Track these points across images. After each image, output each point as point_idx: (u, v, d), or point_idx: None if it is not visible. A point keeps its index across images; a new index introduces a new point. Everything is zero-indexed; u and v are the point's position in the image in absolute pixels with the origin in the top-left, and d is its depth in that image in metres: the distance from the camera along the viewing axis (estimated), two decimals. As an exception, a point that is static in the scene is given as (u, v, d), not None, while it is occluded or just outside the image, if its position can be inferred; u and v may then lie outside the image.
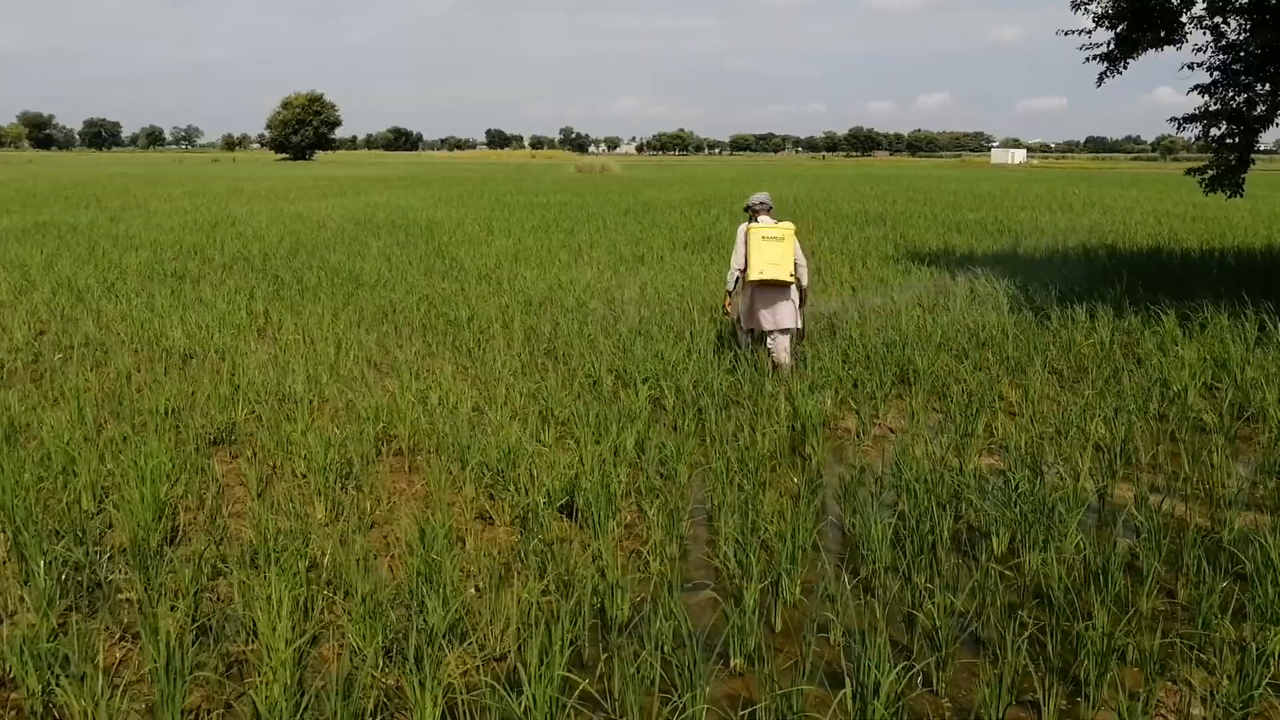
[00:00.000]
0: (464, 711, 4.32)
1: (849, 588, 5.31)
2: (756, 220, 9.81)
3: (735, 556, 5.55)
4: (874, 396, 9.01)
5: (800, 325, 9.89)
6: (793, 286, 9.64)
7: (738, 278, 9.80)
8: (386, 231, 23.75)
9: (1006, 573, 5.55)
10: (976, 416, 8.23)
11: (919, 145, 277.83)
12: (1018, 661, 4.41)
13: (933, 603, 4.90)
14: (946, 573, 5.46)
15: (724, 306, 10.41)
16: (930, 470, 6.75)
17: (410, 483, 7.03)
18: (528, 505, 6.18)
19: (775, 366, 9.65)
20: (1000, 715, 4.25)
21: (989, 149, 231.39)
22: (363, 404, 8.25)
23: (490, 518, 6.38)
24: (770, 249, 9.42)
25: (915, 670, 4.57)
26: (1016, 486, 6.37)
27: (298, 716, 4.05)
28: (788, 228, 9.59)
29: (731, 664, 4.77)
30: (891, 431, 8.42)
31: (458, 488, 6.70)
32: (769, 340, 9.76)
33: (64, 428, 7.66)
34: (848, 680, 4.31)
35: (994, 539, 6.00)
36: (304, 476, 6.87)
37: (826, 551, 5.99)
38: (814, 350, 10.36)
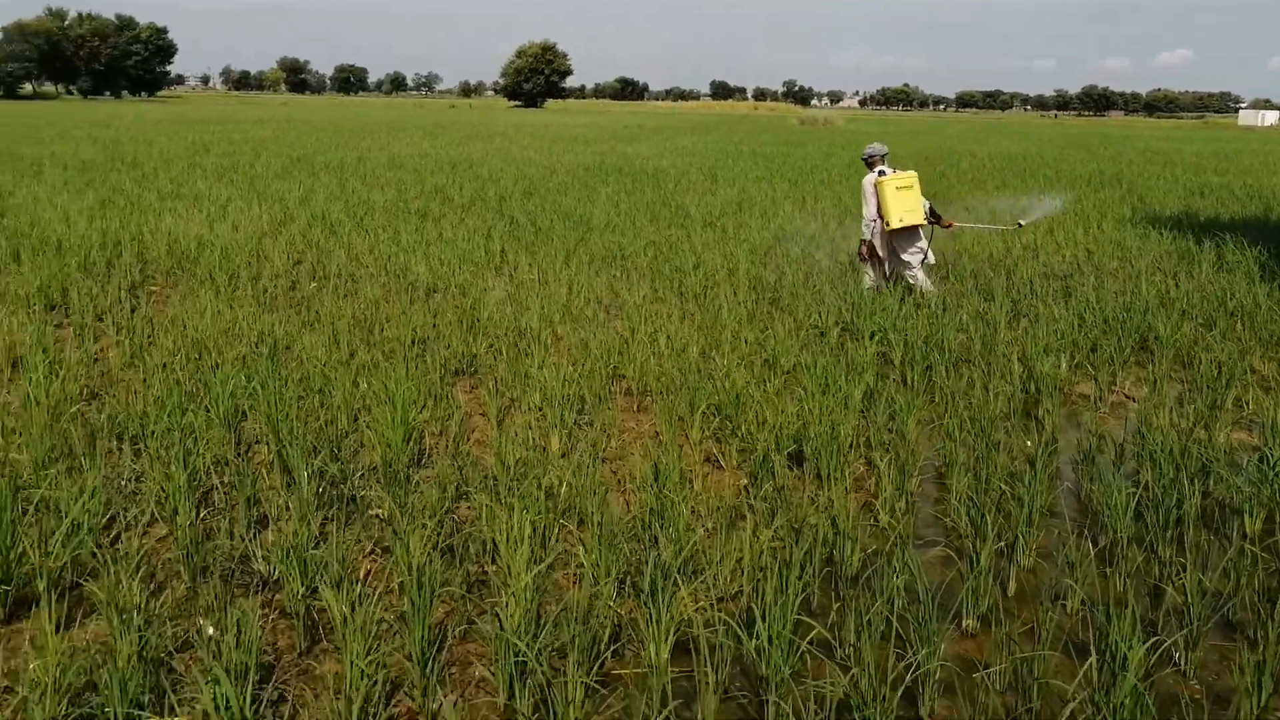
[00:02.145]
0: (696, 646, 4.43)
1: (1090, 556, 5.12)
2: (876, 170, 10.62)
3: (968, 515, 5.43)
4: (1111, 362, 8.61)
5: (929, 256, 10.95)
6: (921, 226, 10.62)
7: (874, 228, 10.61)
8: (614, 178, 24.11)
9: (1263, 555, 5.23)
10: (1226, 389, 7.75)
11: (1157, 105, 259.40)
12: (1280, 649, 4.16)
13: (1181, 579, 4.68)
14: (1195, 549, 5.19)
15: (859, 252, 11.03)
16: (1176, 441, 6.41)
17: (639, 421, 7.19)
18: (756, 451, 6.21)
19: (921, 293, 10.52)
20: (1261, 703, 4.03)
21: (1236, 110, 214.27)
22: (595, 343, 8.46)
23: (718, 461, 6.45)
24: (905, 198, 10.30)
25: (1163, 647, 4.38)
26: (1275, 465, 5.97)
27: (537, 637, 4.22)
28: (913, 176, 10.45)
29: (964, 624, 4.69)
30: (1130, 399, 8.04)
31: (685, 429, 6.80)
32: (907, 272, 10.69)
33: (320, 351, 8.18)
34: (1091, 650, 4.17)
35: (1248, 517, 5.65)
36: (540, 409, 7.11)
37: (1064, 518, 5.80)
38: (1048, 311, 9.99)
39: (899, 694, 3.82)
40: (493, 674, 4.26)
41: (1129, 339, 9.16)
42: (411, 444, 6.34)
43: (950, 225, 11.46)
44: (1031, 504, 5.37)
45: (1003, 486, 5.79)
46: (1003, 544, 5.22)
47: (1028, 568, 5.22)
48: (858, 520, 5.39)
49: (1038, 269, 12.54)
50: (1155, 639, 4.35)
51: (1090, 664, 4.10)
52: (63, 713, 3.62)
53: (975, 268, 12.52)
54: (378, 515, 5.61)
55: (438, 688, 4.08)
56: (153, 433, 6.25)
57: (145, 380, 7.57)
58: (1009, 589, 5.04)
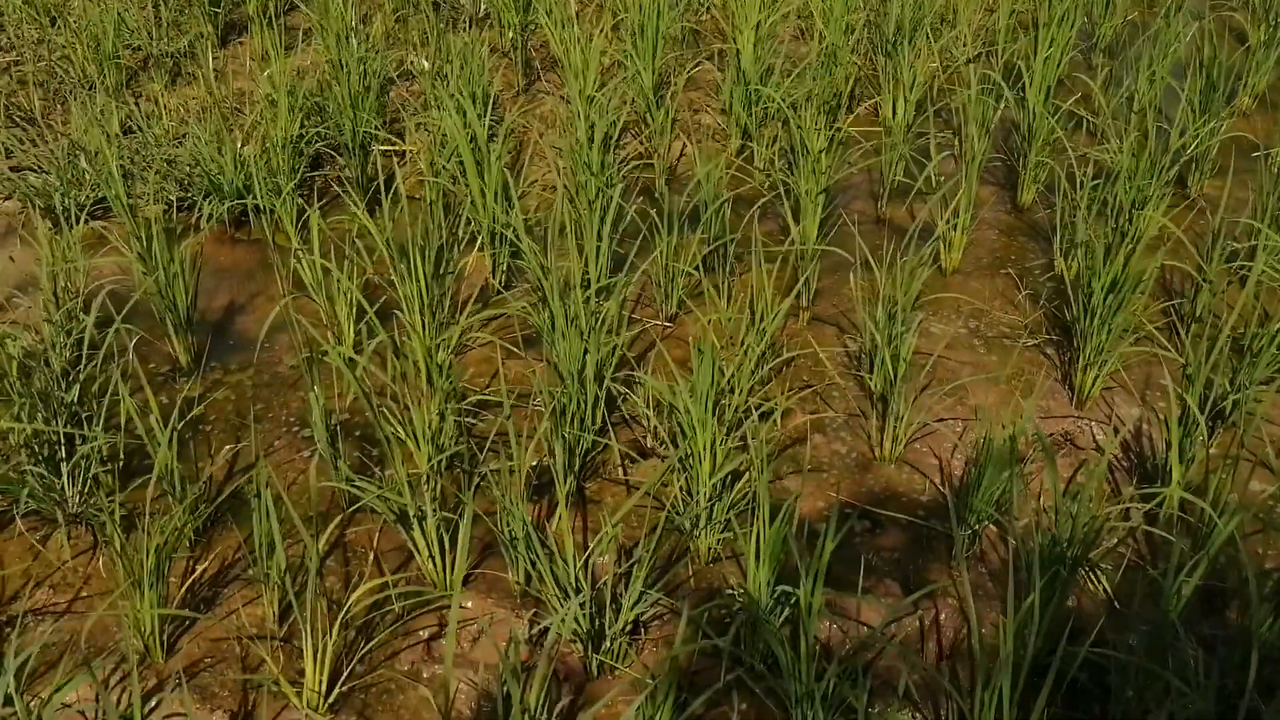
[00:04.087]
0: (935, 105, 4.10)
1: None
2: None
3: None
4: None
5: None
6: None
7: None
8: None
9: None
10: None
11: None
12: None
13: None
14: None
15: None
16: None
17: None
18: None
19: None
20: None
21: None
22: None
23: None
24: None
25: None
26: None
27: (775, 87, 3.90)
28: None
29: (1239, 103, 4.21)
30: None
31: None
32: None
33: None
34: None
35: None
36: None
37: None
38: None
39: (1174, 170, 3.46)
40: (724, 125, 4.03)
41: None
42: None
43: None
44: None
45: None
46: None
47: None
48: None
49: None
50: None
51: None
52: (296, 132, 3.54)
53: None
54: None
55: (667, 131, 3.86)
56: None
57: None
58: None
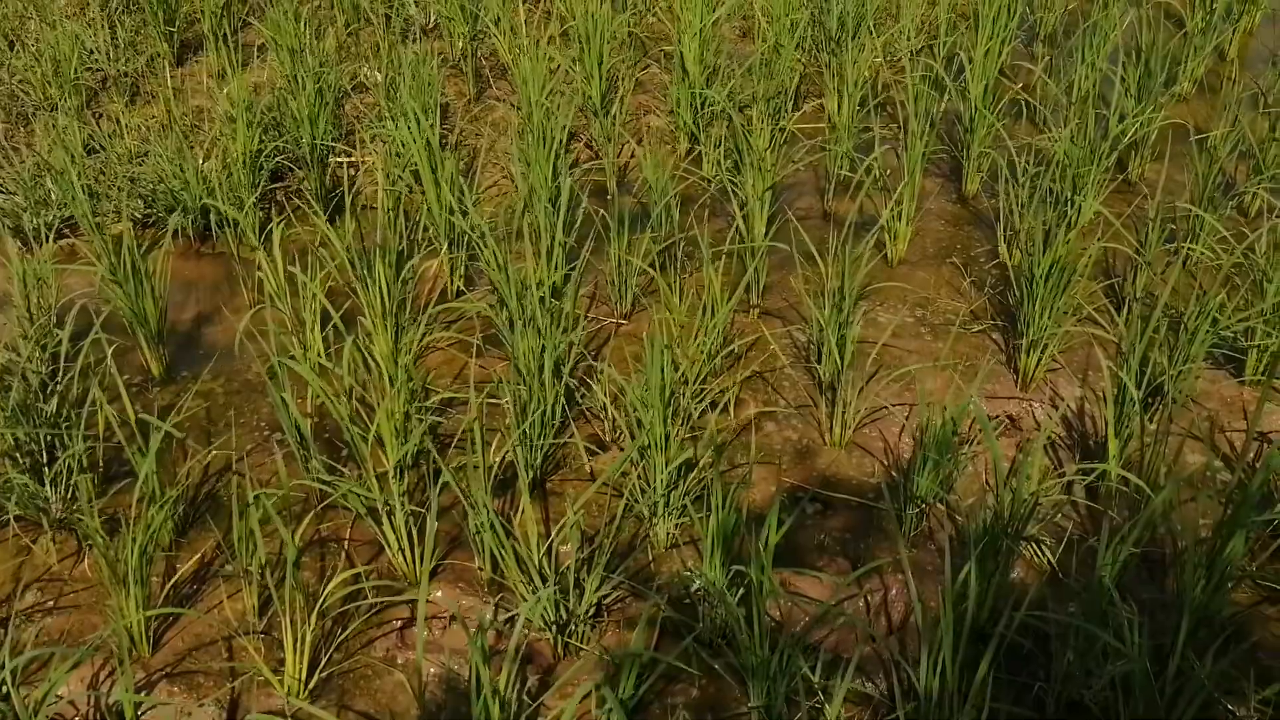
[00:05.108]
0: (884, 101, 4.23)
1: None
2: None
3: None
4: None
5: None
6: None
7: None
8: None
9: None
10: None
11: None
12: None
13: None
14: None
15: None
16: None
17: None
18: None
19: None
20: None
21: None
22: None
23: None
24: None
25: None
26: None
27: (717, 87, 4.01)
28: None
29: (1177, 89, 4.34)
30: None
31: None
32: None
33: None
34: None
35: None
36: None
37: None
38: None
39: (1114, 157, 3.59)
40: (672, 127, 4.13)
41: None
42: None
43: None
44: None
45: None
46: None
47: (1251, 30, 4.75)
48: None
49: None
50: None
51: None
52: (255, 147, 3.62)
53: None
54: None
55: (617, 135, 3.97)
56: None
57: None
58: (1227, 53, 4.62)
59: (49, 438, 2.68)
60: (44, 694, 2.03)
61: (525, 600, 2.24)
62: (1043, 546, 2.54)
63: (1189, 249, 3.34)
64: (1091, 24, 4.12)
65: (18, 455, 2.63)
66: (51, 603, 2.47)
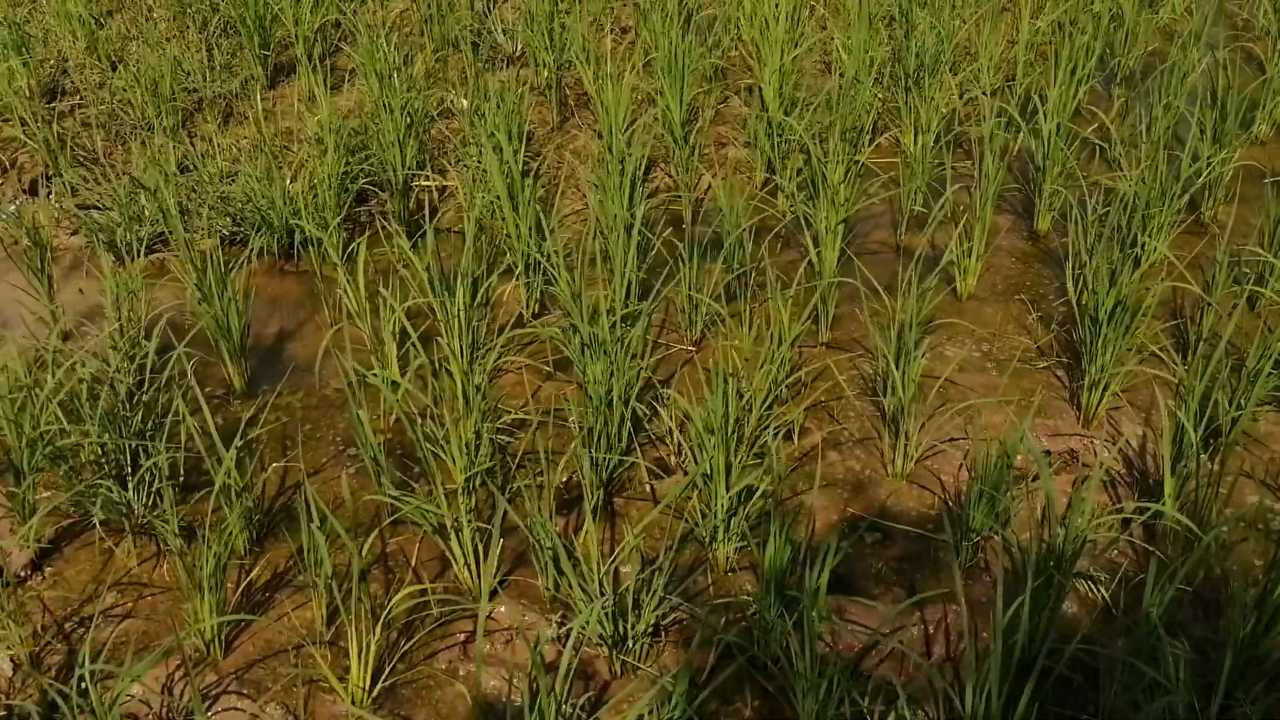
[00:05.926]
0: (962, 138, 4.24)
1: None
2: None
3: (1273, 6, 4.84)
4: None
5: None
6: None
7: None
8: None
9: None
10: None
11: None
12: None
13: None
14: None
15: None
16: None
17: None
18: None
19: None
20: None
21: None
22: None
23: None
24: None
25: None
26: None
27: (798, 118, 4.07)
28: None
29: (1255, 131, 4.32)
30: None
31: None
32: None
33: None
34: None
35: None
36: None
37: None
38: None
39: (1185, 198, 3.58)
40: (750, 158, 4.20)
41: None
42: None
43: None
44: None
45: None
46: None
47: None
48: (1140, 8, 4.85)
49: None
50: None
51: None
52: (341, 169, 3.75)
53: None
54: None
55: (694, 165, 4.04)
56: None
57: None
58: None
59: (134, 446, 2.81)
60: (116, 694, 2.14)
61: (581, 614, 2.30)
62: (1097, 583, 2.54)
63: (1256, 291, 3.32)
64: (1169, 65, 4.12)
65: (104, 462, 2.76)
66: (130, 604, 2.59)
